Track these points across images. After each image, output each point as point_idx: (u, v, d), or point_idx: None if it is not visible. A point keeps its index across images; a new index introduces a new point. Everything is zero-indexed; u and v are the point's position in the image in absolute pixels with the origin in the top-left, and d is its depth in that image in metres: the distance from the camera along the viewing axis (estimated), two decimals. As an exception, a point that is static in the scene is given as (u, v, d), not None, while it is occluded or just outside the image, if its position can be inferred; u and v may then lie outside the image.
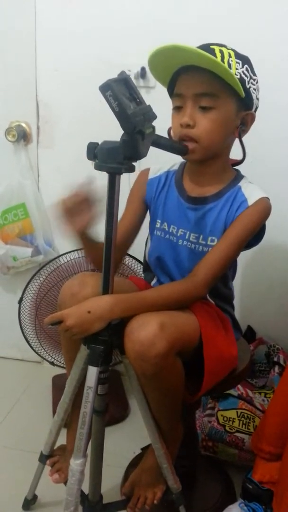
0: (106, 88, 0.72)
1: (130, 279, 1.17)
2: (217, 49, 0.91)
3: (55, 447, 1.15)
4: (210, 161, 1.01)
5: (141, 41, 1.42)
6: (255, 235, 1.02)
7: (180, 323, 0.92)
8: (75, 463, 0.92)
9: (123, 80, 0.76)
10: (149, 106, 0.79)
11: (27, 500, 1.20)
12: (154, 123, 0.82)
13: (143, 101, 0.79)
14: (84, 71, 1.50)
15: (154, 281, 1.16)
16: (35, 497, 1.21)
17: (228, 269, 1.03)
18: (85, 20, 1.48)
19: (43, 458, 1.14)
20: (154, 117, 0.80)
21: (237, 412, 1.35)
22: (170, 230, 1.08)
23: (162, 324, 0.85)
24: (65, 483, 0.95)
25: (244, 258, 1.14)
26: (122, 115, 0.73)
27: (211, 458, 1.36)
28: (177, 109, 0.97)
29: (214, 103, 0.92)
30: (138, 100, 0.78)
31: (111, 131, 0.80)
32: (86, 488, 1.03)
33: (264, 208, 0.99)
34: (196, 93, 0.92)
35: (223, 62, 0.89)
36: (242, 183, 1.03)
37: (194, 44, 0.94)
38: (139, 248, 1.20)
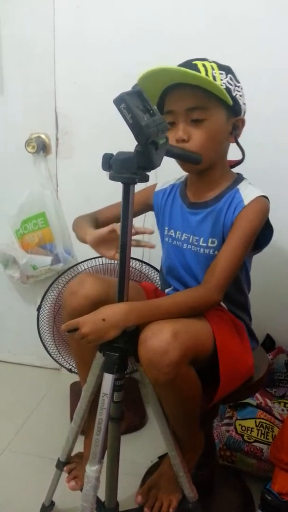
0: (120, 101, 0.74)
1: (141, 285, 1.18)
2: (199, 64, 0.95)
3: (73, 454, 1.16)
4: (209, 170, 1.04)
5: (156, 52, 1.45)
6: (261, 235, 1.03)
7: (194, 331, 0.92)
8: (91, 470, 0.93)
9: (136, 93, 0.77)
10: (162, 117, 0.80)
11: (45, 506, 1.21)
12: (167, 133, 0.84)
13: (157, 112, 0.80)
14: (102, 83, 1.53)
15: (169, 289, 1.17)
16: (52, 503, 1.22)
17: (239, 271, 1.03)
18: (102, 33, 1.51)
19: (60, 465, 1.15)
20: (167, 127, 0.81)
21: (255, 421, 1.34)
22: (176, 236, 1.12)
23: (175, 332, 0.86)
24: (82, 490, 0.96)
25: (261, 266, 1.14)
26: (135, 127, 0.75)
27: (229, 468, 1.35)
28: (170, 125, 1.00)
29: (205, 115, 0.96)
30: (151, 111, 0.79)
31: (128, 141, 0.81)
32: (102, 495, 1.04)
33: (261, 206, 1.00)
34: (187, 108, 0.96)
35: (207, 75, 0.94)
36: (241, 185, 1.05)
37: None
38: (159, 258, 1.21)
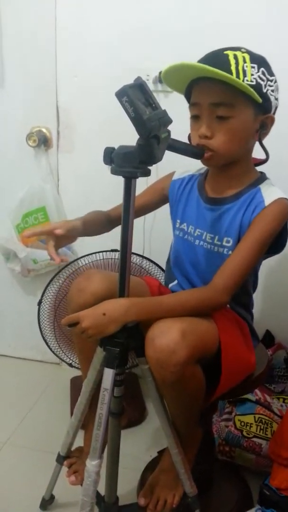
0: (122, 94, 0.73)
1: (145, 278, 1.17)
2: (231, 54, 0.90)
3: (73, 449, 1.17)
4: (231, 165, 1.00)
5: (159, 46, 1.45)
6: (277, 240, 0.99)
7: (201, 331, 0.91)
8: (91, 464, 0.93)
9: (139, 86, 0.77)
10: (165, 111, 0.80)
11: (45, 500, 1.22)
12: (172, 126, 0.83)
13: (159, 106, 0.79)
14: (103, 77, 1.52)
15: (173, 283, 1.16)
16: (52, 497, 1.23)
17: (249, 275, 1.00)
18: (103, 28, 1.50)
19: (60, 459, 1.15)
20: (169, 121, 0.81)
21: (254, 417, 1.34)
22: (189, 230, 1.09)
23: (183, 332, 0.85)
24: (82, 484, 0.96)
25: (263, 263, 1.13)
26: (137, 121, 0.74)
27: (228, 463, 1.35)
28: (195, 118, 0.97)
29: (230, 112, 0.91)
30: (153, 105, 0.78)
31: (130, 135, 0.80)
32: (102, 490, 1.04)
33: (282, 208, 0.96)
34: (212, 102, 0.92)
35: (238, 69, 0.88)
36: (262, 185, 1.01)
37: (211, 47, 0.94)
38: (160, 253, 1.20)
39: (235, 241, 1.00)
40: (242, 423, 1.33)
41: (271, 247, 0.99)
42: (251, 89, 0.88)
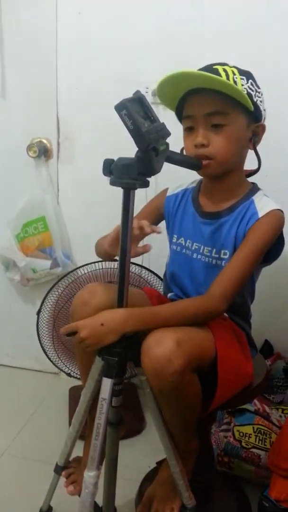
0: (121, 108, 0.75)
1: (144, 290, 1.18)
2: (220, 68, 0.94)
3: (71, 459, 1.16)
4: (225, 176, 1.02)
5: (158, 58, 1.47)
6: (273, 249, 1.02)
7: (197, 339, 0.92)
8: (88, 475, 0.93)
9: (138, 99, 0.78)
10: (163, 123, 0.81)
11: (42, 511, 1.21)
12: (171, 139, 0.85)
13: (157, 119, 0.81)
14: (103, 89, 1.54)
15: (171, 294, 1.17)
16: (50, 508, 1.21)
17: (245, 283, 1.02)
18: (104, 40, 1.52)
19: (58, 469, 1.14)
20: (168, 134, 0.82)
21: (253, 427, 1.34)
22: (186, 245, 1.10)
23: (178, 341, 0.85)
24: (80, 495, 0.96)
25: (261, 272, 1.14)
26: (136, 133, 0.76)
27: (226, 474, 1.35)
28: (189, 130, 1.00)
29: (225, 120, 0.95)
30: (152, 118, 0.80)
31: (129, 147, 0.82)
32: (100, 500, 1.04)
33: (275, 220, 0.99)
34: (207, 112, 0.95)
35: (229, 79, 0.93)
36: (256, 196, 1.04)
37: (211, 60, 0.98)
38: (158, 263, 1.21)
39: (231, 253, 1.02)
40: (241, 434, 1.33)
41: (265, 257, 1.02)
42: (245, 95, 0.92)
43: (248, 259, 0.97)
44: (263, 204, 1.01)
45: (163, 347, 0.85)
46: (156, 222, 1.18)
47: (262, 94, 1.00)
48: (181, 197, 1.14)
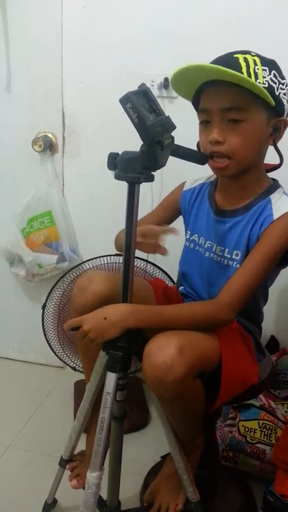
0: (126, 101, 0.74)
1: (150, 281, 1.15)
2: (241, 57, 0.87)
3: (75, 452, 1.17)
4: (243, 174, 0.96)
5: (163, 52, 1.46)
6: (286, 253, 0.95)
7: (200, 345, 0.89)
8: (91, 476, 0.93)
9: (143, 92, 0.78)
10: (168, 117, 0.81)
11: (47, 503, 1.22)
12: (176, 132, 0.84)
13: (163, 112, 0.80)
14: (108, 82, 1.53)
15: (181, 288, 1.15)
16: (55, 501, 1.23)
17: (256, 290, 0.96)
18: (109, 34, 1.51)
19: (63, 463, 1.16)
20: (173, 127, 0.81)
21: (258, 423, 1.34)
22: (199, 242, 1.07)
23: (181, 347, 0.83)
24: (84, 488, 0.96)
25: (278, 274, 1.10)
26: (141, 127, 0.75)
27: (231, 469, 1.35)
28: (204, 124, 0.94)
29: (243, 116, 0.88)
30: (157, 111, 0.79)
31: (134, 141, 0.81)
32: (105, 494, 1.04)
33: None
34: (223, 107, 0.89)
35: (249, 71, 0.86)
36: (274, 195, 0.97)
37: (218, 52, 0.93)
38: (164, 258, 1.20)
39: (243, 255, 0.97)
40: (246, 429, 1.33)
41: (282, 260, 0.96)
42: (265, 91, 0.85)
43: (260, 265, 0.92)
44: (279, 205, 0.94)
45: (164, 354, 0.82)
46: (173, 217, 1.16)
47: (286, 86, 0.92)
48: (198, 192, 1.09)
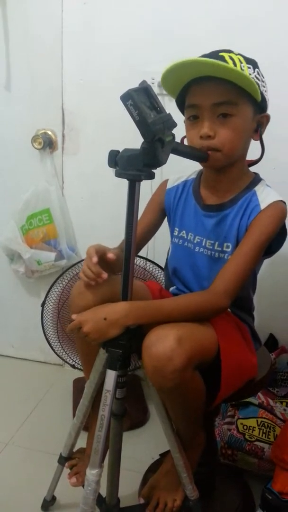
0: (127, 98, 0.74)
1: (146, 283, 1.16)
2: (226, 55, 0.91)
3: (75, 450, 1.17)
4: (228, 168, 1.00)
5: (164, 49, 1.45)
6: (275, 240, 1.00)
7: (198, 336, 0.90)
8: (91, 473, 0.93)
9: (144, 89, 0.77)
10: (169, 114, 0.80)
11: (46, 501, 1.22)
12: (176, 130, 0.84)
13: (164, 110, 0.80)
14: (108, 80, 1.53)
15: (173, 288, 1.16)
16: (54, 498, 1.23)
17: (248, 277, 1.00)
18: (109, 31, 1.51)
19: (62, 460, 1.16)
20: (174, 125, 0.81)
21: (257, 420, 1.34)
22: (188, 238, 1.09)
23: (180, 338, 0.84)
24: (83, 486, 0.97)
25: (265, 266, 1.13)
26: (142, 124, 0.75)
27: (230, 467, 1.35)
28: (192, 119, 0.96)
29: (233, 111, 0.92)
30: (158, 108, 0.79)
31: (135, 138, 0.81)
32: (104, 491, 1.04)
33: (278, 212, 0.97)
34: (214, 102, 0.91)
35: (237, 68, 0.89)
36: (258, 187, 1.02)
37: (207, 50, 0.95)
38: (163, 256, 1.20)
39: (234, 246, 1.00)
40: (245, 427, 1.33)
41: (269, 249, 1.00)
42: (256, 85, 0.90)
43: (251, 253, 0.95)
44: (265, 196, 0.99)
45: (163, 345, 0.83)
46: (162, 218, 1.17)
47: (266, 84, 0.98)
48: (182, 190, 1.12)
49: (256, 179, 1.04)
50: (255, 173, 1.07)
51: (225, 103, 0.91)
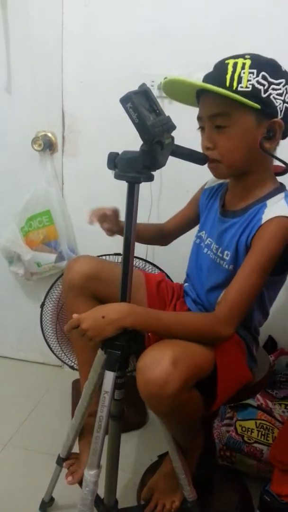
0: (126, 100, 0.75)
1: (144, 272, 1.19)
2: (231, 63, 0.88)
3: (73, 451, 1.17)
4: (245, 175, 0.97)
5: (164, 50, 1.46)
6: (282, 258, 0.91)
7: (195, 355, 0.88)
8: (89, 474, 0.93)
9: (143, 92, 0.78)
10: (168, 117, 0.81)
11: (44, 502, 1.22)
12: (176, 132, 0.84)
13: (163, 112, 0.80)
14: (108, 82, 1.53)
15: (186, 284, 1.18)
16: (52, 499, 1.23)
17: (253, 301, 0.94)
18: (110, 33, 1.51)
19: (60, 461, 1.16)
20: (173, 127, 0.82)
21: (256, 422, 1.34)
22: (204, 238, 1.10)
23: (175, 360, 0.82)
24: (80, 484, 0.96)
25: (282, 286, 1.10)
26: (141, 126, 0.75)
27: (228, 468, 1.35)
28: (201, 130, 0.98)
29: (227, 122, 0.90)
30: (157, 111, 0.79)
31: (134, 140, 0.82)
32: (102, 492, 1.05)
33: (279, 228, 0.89)
34: (210, 114, 0.92)
35: (233, 77, 0.87)
36: (272, 199, 0.94)
37: (218, 51, 0.94)
38: (162, 257, 1.21)
39: (232, 256, 0.97)
40: (243, 429, 1.33)
41: (277, 268, 0.93)
42: (241, 98, 0.85)
43: (253, 276, 0.90)
44: (273, 210, 0.92)
45: (159, 369, 0.82)
46: (197, 213, 1.18)
47: (284, 85, 0.89)
48: (215, 191, 1.11)
49: (277, 190, 0.97)
50: (281, 184, 1.00)
51: (219, 114, 0.91)
